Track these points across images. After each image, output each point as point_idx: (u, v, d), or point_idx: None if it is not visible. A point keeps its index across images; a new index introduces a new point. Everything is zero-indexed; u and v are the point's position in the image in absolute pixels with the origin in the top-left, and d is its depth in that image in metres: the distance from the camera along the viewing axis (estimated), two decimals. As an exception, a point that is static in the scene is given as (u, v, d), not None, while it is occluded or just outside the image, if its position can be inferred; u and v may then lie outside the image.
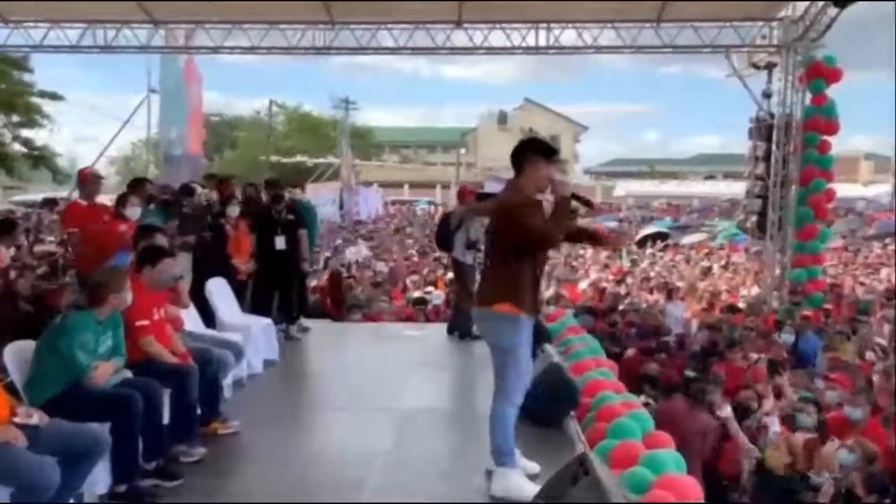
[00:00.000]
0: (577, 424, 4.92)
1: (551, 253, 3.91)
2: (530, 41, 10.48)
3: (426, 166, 58.79)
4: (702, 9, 9.87)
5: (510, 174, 3.78)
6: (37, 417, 3.12)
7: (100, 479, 3.49)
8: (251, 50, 10.73)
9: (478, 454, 4.11)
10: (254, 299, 7.23)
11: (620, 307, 9.31)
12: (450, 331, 7.67)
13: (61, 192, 22.20)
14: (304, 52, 10.69)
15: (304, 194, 8.22)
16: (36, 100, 24.23)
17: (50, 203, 19.76)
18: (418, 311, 9.19)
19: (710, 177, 50.99)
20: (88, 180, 6.08)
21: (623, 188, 42.42)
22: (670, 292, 9.75)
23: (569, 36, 10.52)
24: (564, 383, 4.84)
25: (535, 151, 3.70)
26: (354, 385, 6.01)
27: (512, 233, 3.60)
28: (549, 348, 5.40)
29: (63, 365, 3.57)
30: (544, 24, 10.34)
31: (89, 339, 3.66)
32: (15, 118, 24.83)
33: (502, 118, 55.82)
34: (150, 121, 14.28)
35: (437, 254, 16.67)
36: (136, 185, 6.73)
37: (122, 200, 5.86)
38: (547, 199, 3.74)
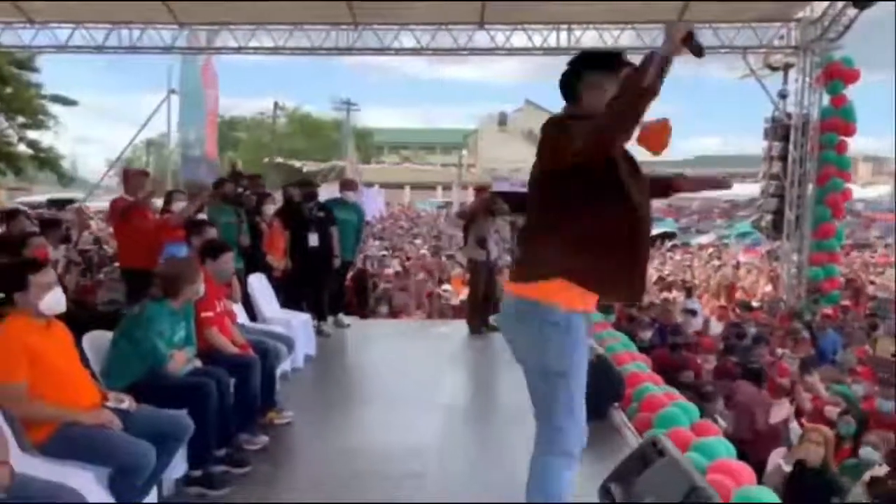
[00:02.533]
0: (622, 415, 5.05)
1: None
2: (552, 42, 10.62)
3: (426, 167, 58.96)
4: (721, 9, 9.99)
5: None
6: (128, 402, 3.22)
7: (177, 463, 3.60)
8: (275, 50, 10.84)
9: (522, 443, 4.26)
10: (287, 296, 7.35)
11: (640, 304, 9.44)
12: (471, 327, 7.83)
13: (66, 194, 22.27)
14: (326, 52, 10.80)
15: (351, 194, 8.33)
16: (47, 103, 24.12)
17: (56, 204, 19.83)
18: (443, 308, 9.33)
19: (711, 178, 51.12)
20: (133, 176, 6.20)
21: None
22: (689, 290, 9.90)
23: (590, 37, 10.66)
24: (612, 375, 4.96)
25: (591, 68, 2.58)
26: (392, 380, 6.14)
27: (559, 151, 2.42)
28: (591, 341, 5.51)
29: (141, 353, 3.67)
30: (565, 25, 10.47)
31: (166, 329, 3.77)
32: (21, 119, 24.77)
33: (502, 120, 56.00)
34: (171, 121, 14.35)
35: (450, 252, 16.86)
36: (218, 185, 7.18)
37: (168, 197, 6.01)
38: None
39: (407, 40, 10.67)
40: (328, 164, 36.08)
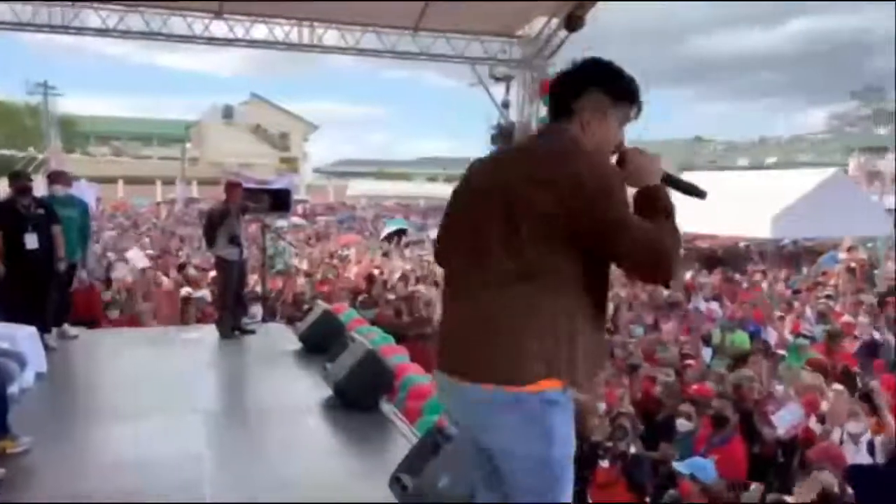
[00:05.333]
0: (391, 406, 5.22)
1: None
2: (293, 38, 10.49)
3: (143, 161, 54.71)
4: (453, 21, 10.67)
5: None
6: None
7: None
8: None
9: (291, 443, 4.35)
10: (2, 306, 6.40)
11: (391, 297, 9.80)
12: (221, 331, 7.50)
13: None
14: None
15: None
16: None
17: None
18: (188, 313, 8.78)
19: (433, 179, 54.44)
20: None
21: (356, 188, 43.52)
22: (437, 283, 10.46)
23: (332, 35, 10.72)
24: (381, 368, 5.11)
25: (606, 87, 2.08)
26: (142, 391, 5.63)
27: (599, 231, 1.92)
28: (357, 336, 5.62)
29: None
30: (308, 22, 10.42)
31: None
32: None
33: (228, 113, 53.91)
34: None
35: (185, 252, 15.86)
36: None
37: None
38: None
39: (121, 21, 9.71)
40: (25, 154, 31.81)
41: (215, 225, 7.47)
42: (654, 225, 1.94)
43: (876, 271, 14.79)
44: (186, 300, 9.11)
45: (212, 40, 10.38)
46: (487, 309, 1.99)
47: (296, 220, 23.91)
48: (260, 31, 10.47)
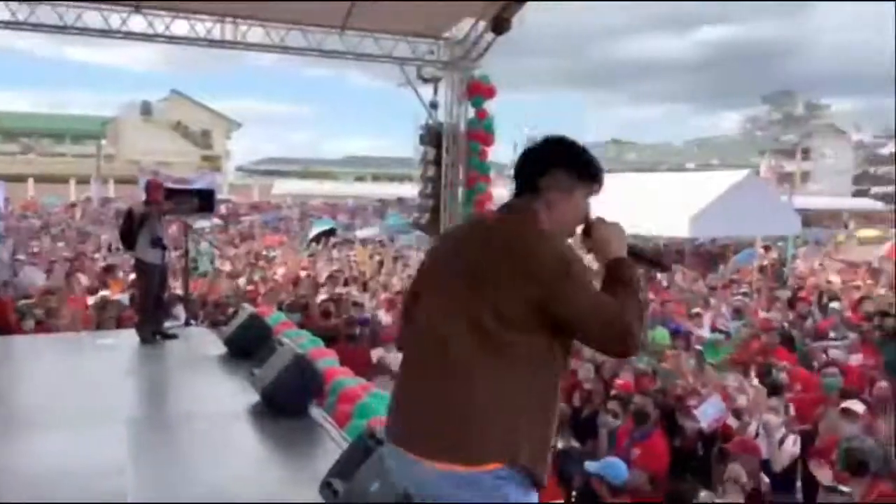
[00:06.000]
0: (321, 410, 5.16)
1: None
2: (216, 34, 10.22)
3: (54, 158, 52.31)
4: (381, 21, 10.62)
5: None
6: None
7: None
8: None
9: (218, 451, 4.28)
10: None
11: (320, 299, 9.69)
12: (141, 336, 7.26)
13: None
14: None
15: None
16: None
17: None
18: (105, 317, 8.44)
19: (360, 178, 54.11)
20: None
21: (281, 187, 42.78)
22: (364, 284, 10.42)
23: (256, 33, 10.49)
24: (311, 372, 5.04)
25: (571, 167, 2.16)
26: (58, 400, 5.38)
27: (563, 315, 1.98)
28: (286, 340, 5.53)
29: None
30: (231, 18, 10.17)
31: None
32: None
33: (146, 109, 52.18)
34: None
35: (102, 254, 15.25)
36: None
37: None
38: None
39: (32, 14, 9.26)
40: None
41: (136, 226, 7.22)
42: (617, 300, 1.97)
43: (785, 269, 15.57)
44: (103, 304, 8.75)
45: (129, 35, 10.00)
46: (449, 388, 2.02)
47: (217, 220, 23.33)
48: (181, 26, 10.15)
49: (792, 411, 5.98)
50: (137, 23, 9.84)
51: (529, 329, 1.99)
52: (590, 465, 5.08)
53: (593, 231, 2.16)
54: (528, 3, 9.24)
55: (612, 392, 6.37)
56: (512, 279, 1.98)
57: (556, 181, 2.13)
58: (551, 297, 1.96)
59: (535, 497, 2.07)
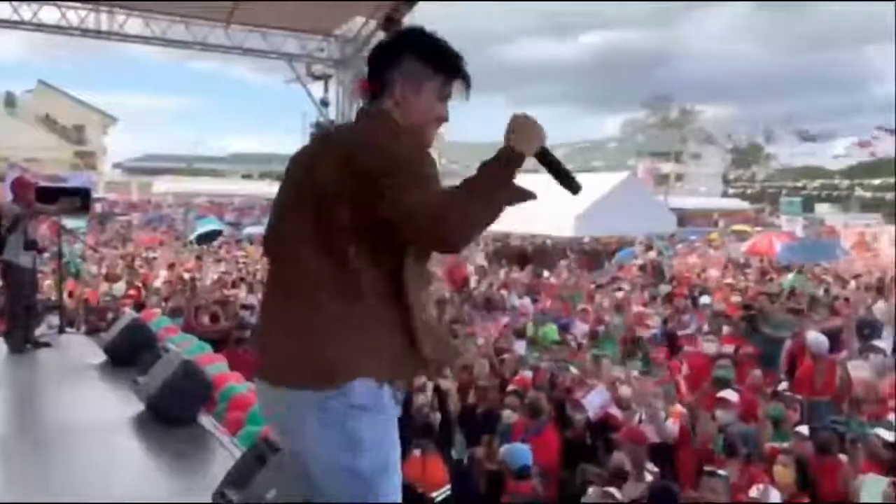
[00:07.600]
0: (210, 418, 4.98)
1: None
2: (90, 23, 9.67)
3: None
4: (269, 16, 10.39)
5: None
6: None
7: None
8: None
9: (102, 465, 4.04)
10: None
11: (206, 302, 9.35)
12: (10, 344, 6.77)
13: None
14: None
15: None
16: None
17: None
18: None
19: (247, 176, 52.59)
20: None
21: (162, 185, 40.92)
22: (251, 286, 10.11)
23: (134, 23, 10.01)
24: (199, 379, 4.84)
25: (421, 54, 1.89)
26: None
27: (398, 209, 1.72)
28: (172, 346, 5.30)
29: None
30: (106, 7, 9.65)
31: None
32: None
33: (10, 101, 48.48)
34: None
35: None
36: None
37: None
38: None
39: None
40: None
41: (5, 227, 6.70)
42: (460, 185, 1.75)
43: (663, 265, 16.45)
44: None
45: (-6, 21, 9.32)
46: (298, 308, 1.85)
47: (90, 220, 21.99)
48: (50, 14, 9.54)
49: (684, 389, 6.33)
50: (2, 9, 9.17)
51: (376, 238, 1.79)
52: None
53: (512, 121, 1.84)
54: (420, 3, 9.28)
55: (509, 388, 6.50)
56: (347, 173, 1.76)
57: (404, 72, 1.87)
58: (376, 182, 1.72)
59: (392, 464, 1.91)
